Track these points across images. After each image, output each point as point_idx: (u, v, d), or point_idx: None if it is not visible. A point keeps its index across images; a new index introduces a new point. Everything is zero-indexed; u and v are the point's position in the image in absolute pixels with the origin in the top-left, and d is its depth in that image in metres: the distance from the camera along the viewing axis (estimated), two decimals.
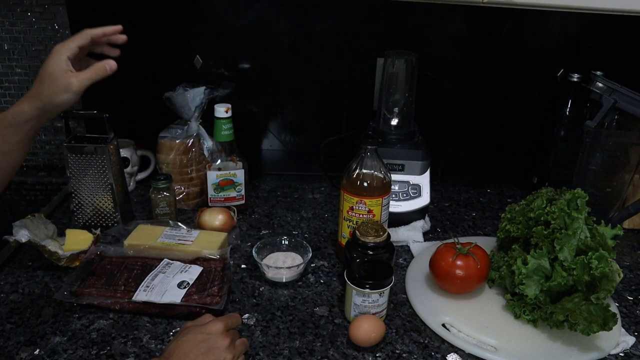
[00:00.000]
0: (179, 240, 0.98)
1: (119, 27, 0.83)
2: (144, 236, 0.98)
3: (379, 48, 1.21)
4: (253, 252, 0.95)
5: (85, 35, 0.80)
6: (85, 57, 0.83)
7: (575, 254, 0.82)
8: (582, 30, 1.24)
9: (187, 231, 1.01)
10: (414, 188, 1.11)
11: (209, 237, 0.99)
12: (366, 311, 0.81)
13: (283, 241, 1.00)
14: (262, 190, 1.29)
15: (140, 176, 1.27)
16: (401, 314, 0.87)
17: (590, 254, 0.79)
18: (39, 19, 1.18)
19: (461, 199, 1.30)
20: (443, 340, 0.81)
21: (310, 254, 0.96)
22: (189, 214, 1.15)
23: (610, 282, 0.76)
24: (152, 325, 0.81)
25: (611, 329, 0.73)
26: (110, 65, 0.81)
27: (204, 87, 1.11)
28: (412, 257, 1.03)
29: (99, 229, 0.99)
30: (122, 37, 0.84)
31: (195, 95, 1.11)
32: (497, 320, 0.85)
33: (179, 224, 1.04)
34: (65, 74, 0.77)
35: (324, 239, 1.08)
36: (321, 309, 0.87)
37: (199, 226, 1.06)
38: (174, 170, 1.14)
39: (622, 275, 0.80)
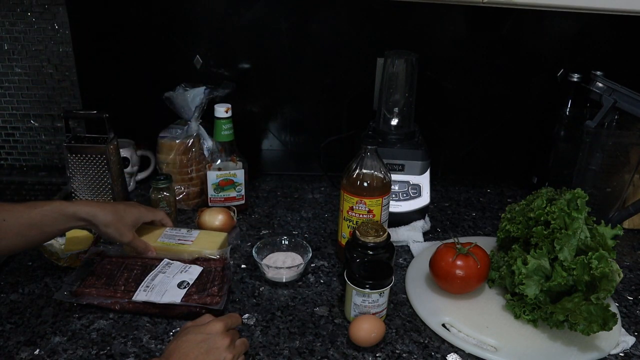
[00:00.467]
0: (179, 240, 0.97)
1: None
2: (144, 236, 0.98)
3: (379, 48, 1.21)
4: (253, 252, 0.95)
5: (158, 217, 0.99)
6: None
7: (575, 254, 0.82)
8: (582, 30, 1.24)
9: (187, 231, 1.00)
10: (414, 188, 1.11)
11: (209, 237, 0.99)
12: (366, 311, 0.81)
13: (283, 241, 1.00)
14: (262, 190, 1.29)
15: (140, 176, 1.27)
16: (401, 314, 0.87)
17: (590, 254, 0.79)
18: (39, 19, 1.18)
19: (461, 199, 1.30)
20: (443, 340, 0.81)
21: (310, 254, 0.96)
22: (189, 214, 1.15)
23: (610, 282, 0.76)
24: (152, 325, 0.81)
25: (611, 329, 0.73)
26: (152, 253, 0.94)
27: (204, 87, 1.12)
28: (412, 257, 1.03)
29: None
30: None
31: (195, 95, 1.11)
32: (497, 320, 0.85)
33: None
34: (129, 231, 0.90)
35: (324, 239, 1.08)
36: (321, 309, 0.87)
37: (199, 226, 1.06)
38: (174, 170, 1.14)
39: (622, 275, 0.80)
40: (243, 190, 1.14)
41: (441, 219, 1.19)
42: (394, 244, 0.91)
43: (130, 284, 0.87)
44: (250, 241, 1.06)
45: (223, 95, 1.13)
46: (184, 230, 1.01)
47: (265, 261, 0.95)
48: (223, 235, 1.01)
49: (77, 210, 0.83)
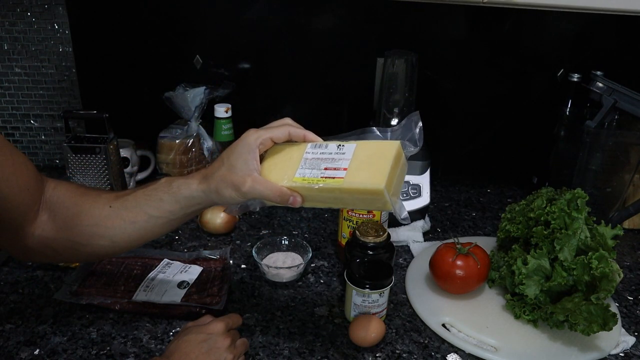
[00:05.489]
0: (326, 168, 0.65)
1: (319, 139, 0.69)
2: (275, 171, 0.68)
3: (379, 48, 1.21)
4: (253, 252, 0.95)
5: (284, 131, 0.68)
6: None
7: (576, 254, 0.82)
8: (582, 30, 1.24)
9: (339, 148, 0.67)
10: (414, 188, 1.11)
11: (370, 161, 0.64)
12: (366, 311, 0.81)
13: (283, 241, 1.00)
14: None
15: (140, 176, 1.27)
16: (401, 314, 0.87)
17: (590, 254, 0.79)
18: (38, 19, 1.18)
19: (461, 199, 1.30)
20: (443, 340, 0.81)
21: (310, 254, 0.96)
22: None
23: (610, 282, 0.76)
24: (152, 325, 0.81)
25: (611, 329, 0.73)
26: (295, 199, 0.66)
27: (204, 87, 1.12)
28: (412, 257, 1.03)
29: None
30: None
31: (195, 95, 1.11)
32: (497, 320, 0.85)
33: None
34: (245, 167, 0.65)
35: (324, 239, 1.08)
36: (321, 309, 0.87)
37: (201, 225, 1.06)
38: (174, 170, 1.14)
39: (622, 275, 0.80)
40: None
41: (441, 219, 1.19)
42: (394, 244, 0.91)
43: (130, 284, 0.87)
44: (250, 241, 1.06)
45: (223, 95, 1.13)
46: (332, 147, 0.67)
47: (265, 261, 0.95)
48: (388, 161, 0.63)
49: (182, 185, 0.68)
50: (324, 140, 0.69)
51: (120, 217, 0.69)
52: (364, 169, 0.63)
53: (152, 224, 0.69)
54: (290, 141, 0.69)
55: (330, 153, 0.67)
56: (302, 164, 0.67)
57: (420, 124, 0.68)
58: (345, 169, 0.64)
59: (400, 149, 0.64)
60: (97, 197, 0.71)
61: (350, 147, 0.66)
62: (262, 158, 0.68)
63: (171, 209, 0.68)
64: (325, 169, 0.65)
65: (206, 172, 0.68)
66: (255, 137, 0.66)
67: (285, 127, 0.68)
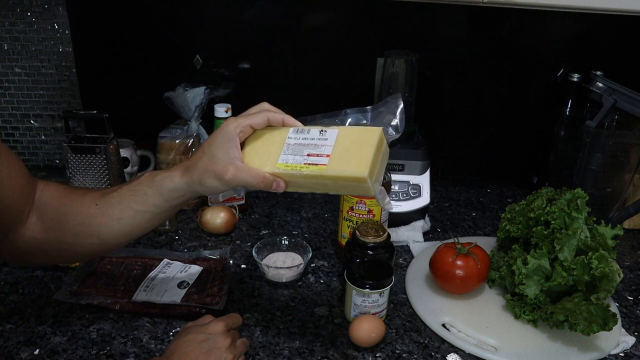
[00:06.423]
0: (308, 154, 0.66)
1: (298, 123, 0.71)
2: (259, 154, 0.69)
3: (379, 48, 1.21)
4: (253, 252, 0.95)
5: (262, 118, 0.69)
6: None
7: (576, 254, 0.82)
8: (582, 30, 1.24)
9: (321, 133, 0.67)
10: (414, 188, 1.11)
11: (353, 148, 0.65)
12: (366, 311, 0.81)
13: (283, 241, 1.00)
14: (262, 190, 1.28)
15: None
16: (401, 314, 0.87)
17: (590, 254, 0.79)
18: (38, 19, 1.18)
19: (461, 199, 1.30)
20: (443, 340, 0.81)
21: (310, 254, 0.96)
22: (189, 214, 1.15)
23: (610, 282, 0.76)
24: (152, 325, 0.81)
25: (611, 329, 0.73)
26: (278, 185, 0.68)
27: (204, 87, 1.11)
28: (412, 257, 1.03)
29: None
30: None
31: (195, 95, 1.11)
32: (497, 320, 0.85)
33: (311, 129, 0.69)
34: (227, 157, 0.66)
35: (324, 239, 1.08)
36: (321, 309, 0.87)
37: (201, 225, 1.06)
38: None
39: (622, 275, 0.80)
40: (243, 190, 1.14)
41: (441, 219, 1.19)
42: (394, 244, 0.91)
43: (130, 284, 0.87)
44: (250, 241, 1.06)
45: (223, 95, 1.13)
46: (314, 133, 0.68)
47: (265, 261, 0.95)
48: (371, 148, 0.64)
49: (165, 179, 0.69)
50: (304, 124, 0.70)
51: (106, 215, 0.69)
52: (347, 156, 0.64)
53: (139, 219, 0.70)
54: (269, 126, 0.70)
55: (313, 139, 0.67)
56: (285, 150, 0.67)
57: (402, 106, 0.69)
58: (328, 156, 0.65)
59: (382, 135, 0.65)
60: (83, 196, 0.71)
61: (333, 132, 0.67)
62: (242, 145, 0.69)
63: (156, 202, 0.69)
64: (308, 155, 0.66)
65: (188, 163, 0.69)
66: (234, 126, 0.67)
67: (264, 113, 0.69)
